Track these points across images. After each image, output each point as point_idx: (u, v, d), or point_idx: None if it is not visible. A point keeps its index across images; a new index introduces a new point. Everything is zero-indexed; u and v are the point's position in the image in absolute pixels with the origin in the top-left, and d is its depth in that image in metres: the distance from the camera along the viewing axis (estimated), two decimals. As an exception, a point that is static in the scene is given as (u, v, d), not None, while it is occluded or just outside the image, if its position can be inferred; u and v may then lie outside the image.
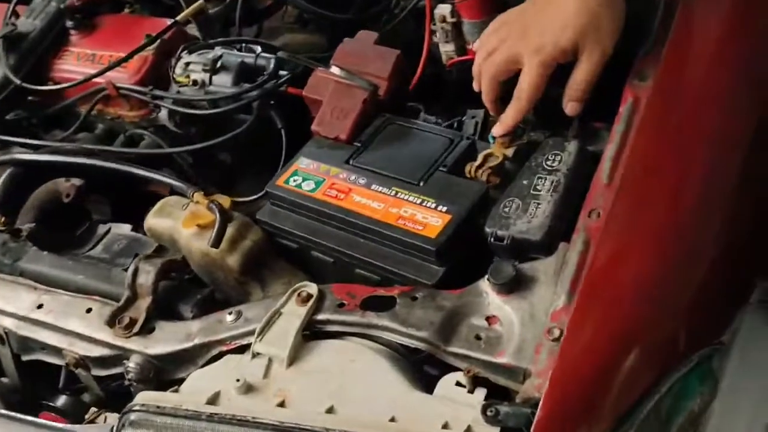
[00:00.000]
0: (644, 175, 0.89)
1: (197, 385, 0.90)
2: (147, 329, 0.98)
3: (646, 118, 0.91)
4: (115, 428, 0.87)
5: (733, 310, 0.94)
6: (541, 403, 0.75)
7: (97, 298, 1.03)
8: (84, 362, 1.01)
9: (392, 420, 0.81)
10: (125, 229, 1.19)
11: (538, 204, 0.92)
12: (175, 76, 1.29)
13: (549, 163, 0.96)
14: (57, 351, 1.03)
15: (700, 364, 0.85)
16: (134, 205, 1.30)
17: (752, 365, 1.01)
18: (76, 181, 1.26)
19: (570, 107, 1.00)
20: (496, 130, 1.03)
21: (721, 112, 0.93)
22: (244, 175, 1.38)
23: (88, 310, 1.02)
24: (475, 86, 1.07)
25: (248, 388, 0.87)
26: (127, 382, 0.98)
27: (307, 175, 1.06)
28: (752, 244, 0.98)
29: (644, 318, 0.81)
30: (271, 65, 1.25)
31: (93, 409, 1.02)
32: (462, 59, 1.27)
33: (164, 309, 1.01)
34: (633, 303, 0.81)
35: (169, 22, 1.34)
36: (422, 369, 0.92)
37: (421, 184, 1.01)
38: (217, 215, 1.03)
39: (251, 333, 0.92)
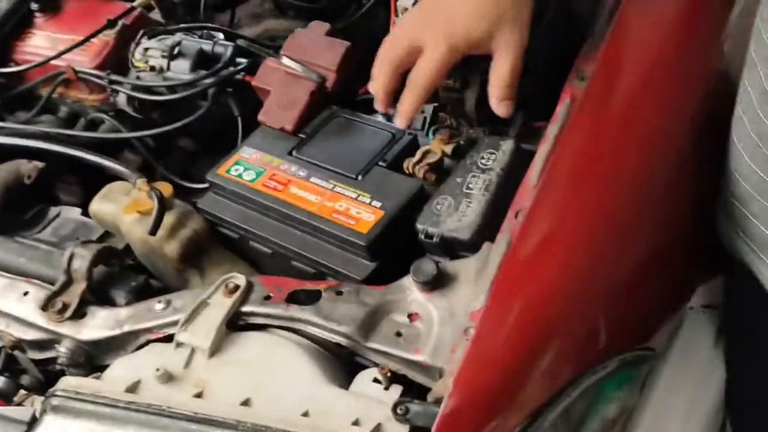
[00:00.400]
0: (570, 176, 0.88)
1: (119, 373, 0.90)
2: (79, 314, 0.98)
3: (577, 120, 0.90)
4: (37, 412, 0.88)
5: (663, 315, 0.93)
6: (443, 403, 0.74)
7: (36, 281, 1.04)
8: (20, 345, 1.02)
9: (305, 415, 0.81)
10: (75, 213, 1.19)
11: (470, 203, 0.92)
12: (134, 61, 1.29)
13: (483, 161, 0.95)
14: (-6, 333, 1.04)
15: (619, 369, 0.85)
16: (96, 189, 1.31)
17: (687, 370, 1.01)
18: (39, 164, 1.26)
19: (502, 107, 0.93)
20: (398, 122, 0.97)
21: (655, 117, 0.92)
22: (203, 162, 1.38)
23: (26, 293, 1.02)
24: (370, 87, 0.99)
25: (168, 378, 0.87)
26: (58, 367, 0.99)
27: (248, 165, 1.06)
28: (688, 249, 0.98)
29: (554, 321, 0.80)
30: (228, 52, 1.25)
31: (22, 392, 1.03)
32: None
33: (99, 295, 1.01)
34: (543, 306, 0.80)
35: (133, 6, 1.34)
36: (349, 364, 0.92)
37: (360, 178, 1.01)
38: (156, 202, 1.03)
39: (178, 322, 0.92)
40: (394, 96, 0.96)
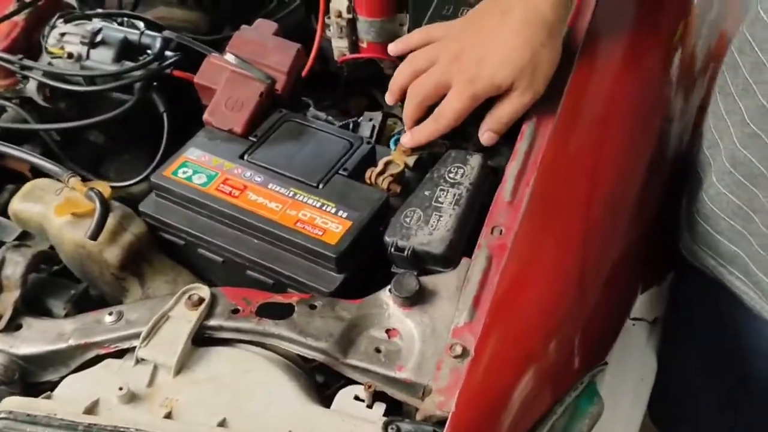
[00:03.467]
0: (549, 196, 0.90)
1: (73, 392, 0.82)
2: (13, 326, 0.89)
3: (552, 140, 0.93)
4: (-25, 437, 0.79)
5: (618, 329, 0.98)
6: (448, 422, 0.74)
7: (-45, 289, 0.93)
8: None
9: (289, 435, 0.78)
10: (-18, 210, 1.08)
11: (440, 216, 0.92)
12: (47, 46, 1.19)
13: (451, 175, 0.95)
14: None
15: (589, 385, 0.87)
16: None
17: (625, 379, 1.06)
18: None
19: (487, 137, 0.99)
20: (406, 140, 1.01)
21: (623, 139, 0.96)
22: (112, 157, 1.30)
23: (-55, 302, 0.91)
24: (389, 99, 1.05)
25: (131, 397, 0.81)
26: (-14, 384, 0.89)
27: (197, 168, 1.00)
28: (640, 268, 1.03)
29: (545, 341, 0.82)
30: (157, 44, 1.18)
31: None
32: (354, 57, 1.25)
33: (33, 304, 0.93)
34: (535, 326, 0.82)
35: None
36: (315, 380, 0.89)
37: (321, 186, 0.98)
38: (98, 205, 0.95)
39: (133, 336, 0.86)
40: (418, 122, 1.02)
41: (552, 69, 0.97)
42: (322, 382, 0.91)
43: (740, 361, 1.05)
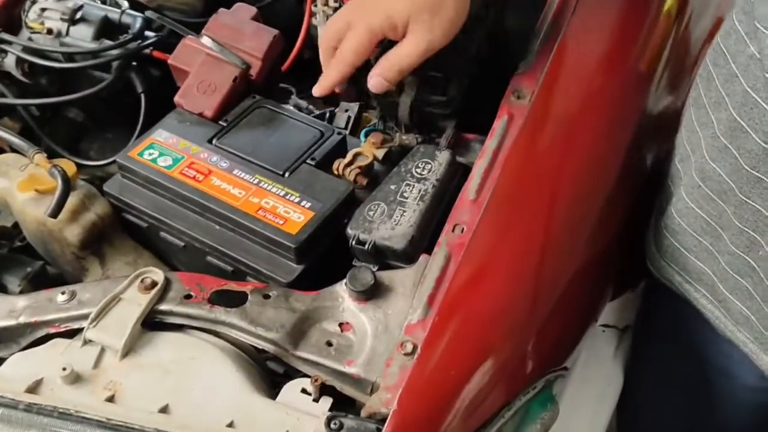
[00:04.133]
0: (512, 196, 0.88)
1: (18, 370, 0.82)
2: (-35, 301, 0.89)
3: (520, 140, 0.91)
4: None
5: (579, 336, 0.96)
6: (388, 420, 0.73)
7: None
8: None
9: (230, 425, 0.76)
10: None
11: (404, 211, 0.90)
12: (27, 21, 1.18)
13: (419, 170, 0.94)
14: None
15: (543, 390, 0.86)
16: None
17: (589, 386, 1.04)
18: None
19: (374, 81, 0.94)
20: (315, 90, 0.98)
21: (594, 142, 0.94)
22: (93, 136, 1.29)
23: None
24: (321, 58, 0.99)
25: (75, 378, 0.80)
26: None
27: (164, 150, 0.99)
28: (605, 273, 1.01)
29: (497, 342, 0.80)
30: (138, 24, 1.17)
31: None
32: (340, 45, 1.24)
33: (-13, 280, 0.92)
34: (487, 327, 0.80)
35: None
36: (267, 370, 0.88)
37: (287, 175, 0.97)
38: (59, 182, 0.94)
39: (84, 317, 0.85)
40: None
41: (456, 20, 0.91)
42: (282, 373, 0.90)
43: (703, 379, 1.03)
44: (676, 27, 1.07)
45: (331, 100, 1.28)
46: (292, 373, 0.86)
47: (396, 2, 0.91)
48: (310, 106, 1.16)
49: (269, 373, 0.88)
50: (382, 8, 0.91)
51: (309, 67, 1.29)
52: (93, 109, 1.27)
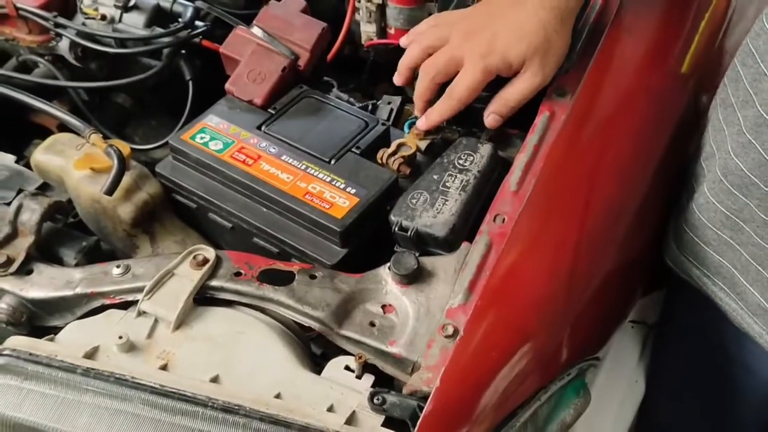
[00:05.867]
0: (553, 190, 0.91)
1: (75, 337, 0.85)
2: (25, 270, 0.92)
3: (562, 136, 0.94)
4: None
5: (613, 329, 0.99)
6: (431, 397, 0.76)
7: (-29, 230, 0.96)
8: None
9: (277, 396, 0.80)
10: (8, 159, 1.11)
11: (446, 200, 0.93)
12: (82, 6, 1.23)
13: (461, 162, 0.97)
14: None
15: (576, 377, 0.89)
16: (17, 135, 1.23)
17: (618, 378, 1.07)
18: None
19: (491, 119, 1.00)
20: (421, 123, 1.02)
21: (633, 142, 0.97)
22: (138, 122, 1.33)
23: (-39, 242, 0.95)
24: (397, 80, 1.05)
25: (130, 347, 0.83)
26: (-6, 323, 0.93)
27: (215, 134, 1.03)
28: (639, 268, 1.04)
29: (534, 328, 0.83)
30: (189, 13, 1.21)
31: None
32: (381, 42, 1.27)
33: (45, 252, 0.96)
34: (526, 314, 0.83)
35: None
36: (310, 348, 0.92)
37: (333, 162, 1.00)
38: (115, 161, 0.98)
39: (138, 290, 0.88)
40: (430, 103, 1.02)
41: (561, 58, 0.97)
42: (320, 354, 0.93)
43: (724, 374, 1.05)
44: (717, 30, 1.10)
45: (370, 93, 1.32)
46: (331, 355, 0.90)
47: (512, 45, 0.95)
48: (351, 99, 1.20)
49: (312, 354, 0.91)
50: (498, 50, 0.96)
51: (349, 61, 1.33)
52: (140, 95, 1.32)
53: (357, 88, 1.31)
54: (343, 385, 0.82)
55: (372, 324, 0.86)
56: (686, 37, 1.05)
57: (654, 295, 1.12)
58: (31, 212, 0.94)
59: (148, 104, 1.33)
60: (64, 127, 1.11)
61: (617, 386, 1.08)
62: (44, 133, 1.19)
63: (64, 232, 0.99)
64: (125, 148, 1.02)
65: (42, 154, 1.05)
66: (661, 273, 1.08)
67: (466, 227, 0.93)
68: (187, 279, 0.88)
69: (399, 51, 1.26)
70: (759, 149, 0.85)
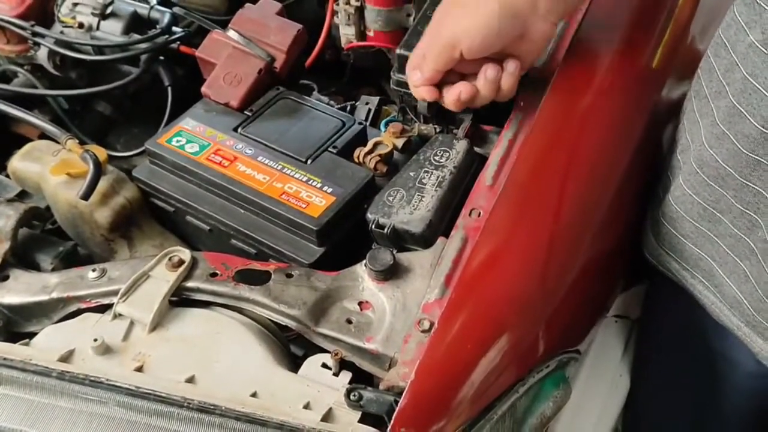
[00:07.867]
0: (527, 183, 0.91)
1: (50, 341, 0.85)
2: (1, 276, 0.92)
3: (536, 130, 0.94)
4: (-46, 377, 0.82)
5: (592, 322, 0.98)
6: (405, 391, 0.75)
7: (-52, 238, 0.96)
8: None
9: (253, 395, 0.79)
10: (-13, 170, 1.11)
11: (422, 197, 0.93)
12: (60, 15, 1.22)
13: (437, 158, 0.97)
14: None
15: (556, 370, 0.88)
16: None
17: (601, 374, 1.07)
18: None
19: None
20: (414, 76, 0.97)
21: (607, 133, 0.97)
22: (120, 129, 1.33)
23: (-62, 250, 0.94)
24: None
25: (105, 349, 0.83)
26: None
27: (191, 137, 1.03)
28: (617, 262, 1.03)
29: (510, 321, 0.83)
30: (166, 19, 1.21)
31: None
32: (360, 44, 1.27)
33: (22, 257, 0.95)
34: (501, 306, 0.83)
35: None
36: (289, 348, 0.91)
37: (309, 162, 1.00)
38: (91, 166, 0.98)
39: (114, 293, 0.88)
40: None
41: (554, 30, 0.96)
42: (302, 355, 0.93)
43: (706, 367, 1.05)
44: (687, 23, 1.10)
45: (353, 97, 1.32)
46: (310, 354, 0.89)
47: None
48: (331, 102, 1.20)
49: (291, 354, 0.91)
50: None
51: (332, 66, 1.34)
52: (120, 103, 1.31)
53: (338, 91, 1.31)
54: (319, 383, 0.82)
55: (349, 321, 0.86)
56: (657, 32, 1.05)
57: (637, 288, 1.12)
58: (7, 218, 0.94)
59: (129, 112, 1.33)
60: (46, 137, 1.11)
61: (602, 381, 1.07)
62: (26, 143, 1.19)
63: (41, 238, 0.99)
64: (101, 152, 1.02)
65: (19, 162, 1.05)
66: (644, 266, 1.08)
67: (442, 223, 0.93)
68: (162, 280, 0.88)
69: (379, 54, 1.27)
70: (732, 139, 0.84)
